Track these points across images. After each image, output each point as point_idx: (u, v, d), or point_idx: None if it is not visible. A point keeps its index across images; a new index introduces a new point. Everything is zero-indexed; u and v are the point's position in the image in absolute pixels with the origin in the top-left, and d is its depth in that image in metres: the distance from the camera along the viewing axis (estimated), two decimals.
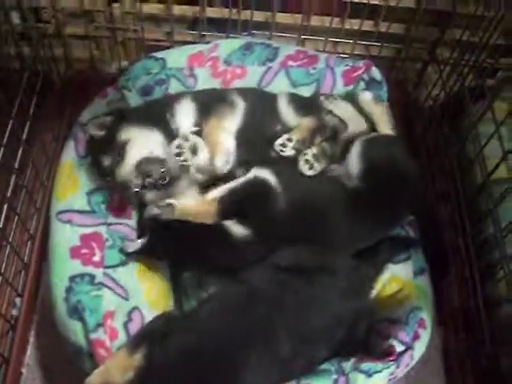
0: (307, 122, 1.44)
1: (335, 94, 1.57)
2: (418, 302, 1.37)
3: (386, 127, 1.50)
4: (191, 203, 1.35)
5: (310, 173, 1.38)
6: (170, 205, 1.32)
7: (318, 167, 1.39)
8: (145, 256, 1.33)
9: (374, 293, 1.40)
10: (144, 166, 1.36)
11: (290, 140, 1.40)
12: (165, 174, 1.36)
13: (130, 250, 1.32)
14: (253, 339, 1.19)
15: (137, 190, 1.36)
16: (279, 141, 1.41)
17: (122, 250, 1.34)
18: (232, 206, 1.33)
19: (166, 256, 1.34)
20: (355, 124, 1.51)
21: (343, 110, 1.51)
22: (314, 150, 1.40)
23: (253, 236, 1.32)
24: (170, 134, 1.41)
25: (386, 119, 1.51)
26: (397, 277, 1.43)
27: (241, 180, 1.36)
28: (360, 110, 1.54)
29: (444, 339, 1.52)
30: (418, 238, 1.50)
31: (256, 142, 1.44)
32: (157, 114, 1.44)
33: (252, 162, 1.41)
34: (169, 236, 1.31)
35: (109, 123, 1.41)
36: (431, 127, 1.77)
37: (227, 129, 1.42)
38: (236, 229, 1.32)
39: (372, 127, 1.52)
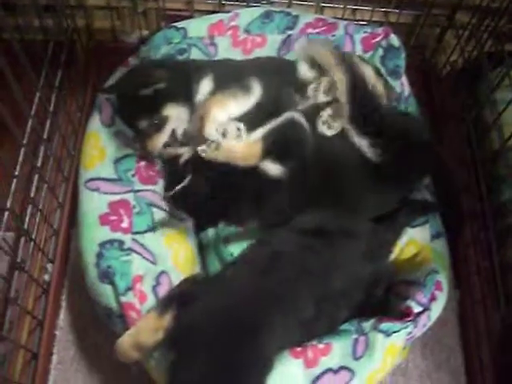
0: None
1: (356, 55, 1.58)
2: (435, 264, 1.40)
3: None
4: (237, 144, 1.37)
5: (329, 132, 1.41)
6: (216, 143, 1.34)
7: (336, 126, 1.41)
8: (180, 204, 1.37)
9: (392, 256, 1.44)
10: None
11: (320, 85, 1.45)
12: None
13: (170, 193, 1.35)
14: (277, 301, 1.22)
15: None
16: (312, 86, 1.47)
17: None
18: (273, 145, 1.35)
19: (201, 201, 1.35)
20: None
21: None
22: (328, 110, 1.42)
23: (285, 177, 1.35)
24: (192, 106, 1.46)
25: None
26: (414, 240, 1.47)
27: (277, 120, 1.39)
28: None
29: (460, 301, 1.55)
30: (435, 203, 1.54)
31: (274, 113, 1.46)
32: (186, 87, 1.47)
33: None
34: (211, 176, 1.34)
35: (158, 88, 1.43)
36: (449, 93, 1.78)
37: (227, 110, 1.44)
38: (272, 167, 1.35)
39: None
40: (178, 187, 1.32)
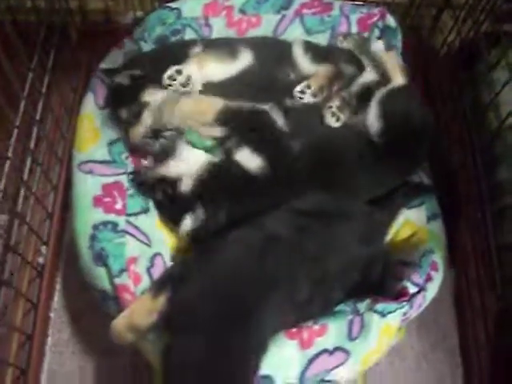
0: (325, 70, 1.46)
1: (354, 34, 1.58)
2: (431, 245, 1.39)
3: (397, 75, 1.50)
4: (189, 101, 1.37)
5: (337, 124, 1.41)
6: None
7: (343, 118, 1.41)
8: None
9: (388, 237, 1.44)
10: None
11: (308, 87, 1.42)
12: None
13: (187, 229, 1.35)
14: (272, 283, 1.21)
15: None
16: (298, 88, 1.43)
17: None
18: (231, 123, 1.36)
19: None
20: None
21: (362, 49, 1.52)
22: (337, 101, 1.41)
23: (269, 170, 1.34)
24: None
25: (397, 68, 1.51)
26: (410, 221, 1.46)
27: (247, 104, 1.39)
28: (372, 58, 1.54)
29: (456, 281, 1.55)
30: (431, 184, 1.53)
31: (269, 89, 1.45)
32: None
33: None
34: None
35: (136, 77, 1.44)
36: (446, 74, 1.77)
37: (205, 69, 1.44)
38: (250, 161, 1.35)
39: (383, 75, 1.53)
40: (193, 225, 1.34)
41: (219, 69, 1.42)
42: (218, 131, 1.37)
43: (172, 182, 1.37)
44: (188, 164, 1.36)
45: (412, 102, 1.48)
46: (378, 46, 1.56)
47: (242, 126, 1.36)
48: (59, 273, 1.52)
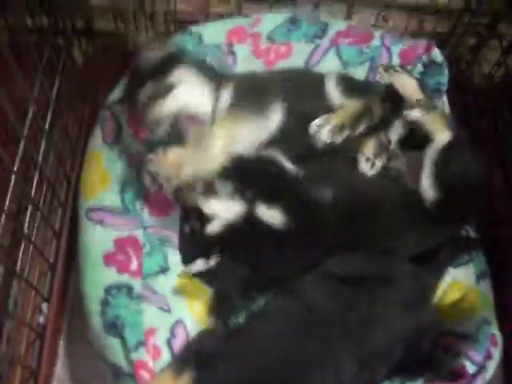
0: (351, 106, 1.28)
1: (397, 65, 1.41)
2: (485, 312, 1.25)
3: (442, 130, 1.32)
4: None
5: (371, 172, 1.25)
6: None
7: (379, 164, 1.25)
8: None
9: (434, 301, 1.29)
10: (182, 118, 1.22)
11: (327, 123, 1.25)
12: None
13: (194, 270, 1.17)
14: (313, 362, 1.07)
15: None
16: (316, 121, 1.25)
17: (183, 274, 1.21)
18: (236, 174, 1.20)
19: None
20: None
21: (405, 84, 1.36)
22: (372, 145, 1.25)
23: (291, 225, 1.18)
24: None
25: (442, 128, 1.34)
26: (458, 282, 1.31)
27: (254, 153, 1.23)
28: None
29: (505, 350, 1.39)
30: (478, 238, 1.38)
31: (299, 135, 1.29)
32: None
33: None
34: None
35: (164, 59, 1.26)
36: (486, 108, 1.63)
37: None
38: (269, 216, 1.18)
39: None
40: (204, 267, 1.16)
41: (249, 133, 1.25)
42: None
43: (203, 218, 1.21)
44: (225, 208, 1.19)
45: (468, 161, 1.32)
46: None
47: (249, 178, 1.20)
48: (63, 334, 1.35)
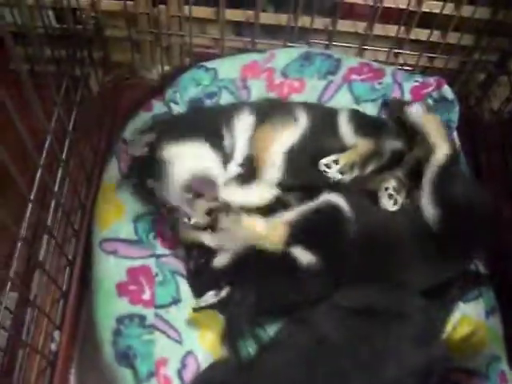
0: (362, 145, 1.31)
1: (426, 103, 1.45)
2: (495, 348, 1.25)
3: (441, 142, 1.33)
4: (261, 223, 1.21)
5: (394, 208, 1.26)
6: (237, 218, 1.20)
7: (400, 200, 1.27)
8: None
9: (443, 336, 1.29)
10: (194, 185, 1.22)
11: (336, 162, 1.28)
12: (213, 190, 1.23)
13: (204, 304, 1.18)
14: None
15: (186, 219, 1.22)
16: (324, 160, 1.28)
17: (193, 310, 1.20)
18: (302, 232, 1.20)
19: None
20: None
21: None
22: (393, 182, 1.27)
23: (319, 264, 1.19)
24: (222, 151, 1.29)
25: (440, 132, 1.35)
26: (468, 317, 1.31)
27: (311, 204, 1.23)
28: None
29: None
30: (488, 273, 1.39)
31: (312, 164, 1.31)
32: (207, 125, 1.31)
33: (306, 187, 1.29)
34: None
35: (151, 140, 1.27)
36: (495, 146, 1.64)
37: (280, 141, 1.30)
38: (302, 255, 1.18)
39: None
40: (215, 299, 1.17)
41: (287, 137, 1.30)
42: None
43: (207, 253, 1.22)
44: (231, 238, 1.21)
45: (467, 180, 1.35)
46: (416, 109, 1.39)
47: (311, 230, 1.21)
48: (74, 363, 1.35)
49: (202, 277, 1.25)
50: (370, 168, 1.34)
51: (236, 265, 1.20)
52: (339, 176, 1.29)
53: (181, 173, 1.24)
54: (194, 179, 1.23)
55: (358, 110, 1.43)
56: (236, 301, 1.17)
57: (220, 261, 1.21)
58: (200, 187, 1.23)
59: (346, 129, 1.36)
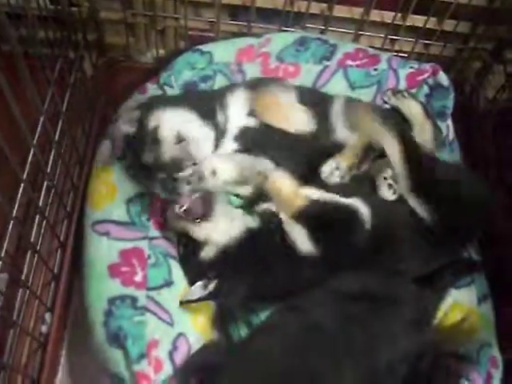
0: (355, 144, 1.30)
1: (405, 91, 1.44)
2: (486, 334, 1.26)
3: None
4: (289, 184, 1.20)
5: (393, 197, 1.25)
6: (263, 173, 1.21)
7: (397, 189, 1.26)
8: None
9: (435, 322, 1.29)
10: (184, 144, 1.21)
11: (337, 168, 1.28)
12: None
13: (192, 297, 1.17)
14: (317, 378, 1.07)
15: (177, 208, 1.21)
16: (326, 168, 1.28)
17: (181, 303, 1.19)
18: (315, 217, 1.19)
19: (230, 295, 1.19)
20: (420, 129, 1.38)
21: (411, 109, 1.39)
22: (390, 171, 1.26)
23: (318, 257, 1.18)
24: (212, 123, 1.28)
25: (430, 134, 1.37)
26: (460, 304, 1.32)
27: (335, 198, 1.21)
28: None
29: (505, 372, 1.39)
30: (480, 260, 1.39)
31: (312, 151, 1.31)
32: (197, 100, 1.31)
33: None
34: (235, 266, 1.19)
35: (139, 115, 1.27)
36: (491, 133, 1.64)
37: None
38: (303, 243, 1.18)
39: None
40: (203, 292, 1.17)
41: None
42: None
43: (197, 242, 1.22)
44: (220, 232, 1.20)
45: (462, 171, 1.35)
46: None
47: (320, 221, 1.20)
48: (65, 344, 1.34)
49: (190, 264, 1.25)
50: (366, 165, 1.33)
51: (224, 258, 1.20)
52: (341, 179, 1.29)
53: (168, 135, 1.22)
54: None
55: (352, 98, 1.42)
56: (225, 293, 1.17)
57: (207, 253, 1.21)
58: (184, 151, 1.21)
59: (339, 120, 1.35)
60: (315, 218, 1.18)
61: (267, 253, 1.21)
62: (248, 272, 1.20)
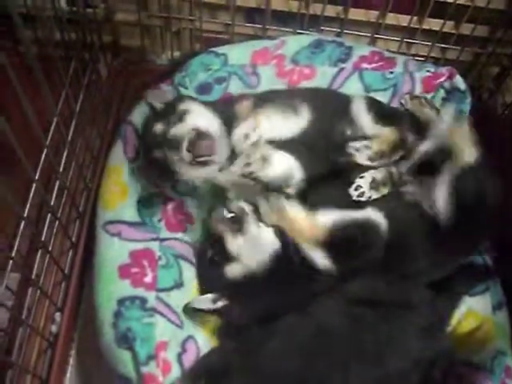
0: (390, 134, 1.29)
1: (424, 98, 1.41)
2: (501, 343, 1.23)
3: (468, 151, 1.29)
4: (303, 217, 1.17)
5: (356, 199, 1.23)
6: (281, 205, 1.17)
7: (368, 196, 1.24)
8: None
9: (449, 329, 1.27)
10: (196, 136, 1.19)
11: (367, 147, 1.27)
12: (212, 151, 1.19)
13: (197, 306, 1.17)
14: (324, 382, 1.06)
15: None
16: (355, 144, 1.27)
17: (186, 309, 1.19)
18: (334, 241, 1.15)
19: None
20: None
21: (428, 117, 1.36)
22: (379, 174, 1.25)
23: (334, 271, 1.16)
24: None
25: (469, 143, 1.33)
26: (474, 311, 1.30)
27: (353, 215, 1.19)
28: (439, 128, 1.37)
29: None
30: (496, 267, 1.36)
31: (325, 149, 1.29)
32: (221, 108, 1.29)
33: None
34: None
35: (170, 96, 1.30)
36: (509, 139, 1.61)
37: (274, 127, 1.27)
38: (321, 260, 1.16)
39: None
40: (209, 307, 1.16)
41: (282, 126, 1.26)
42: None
43: (227, 254, 1.18)
44: (250, 255, 1.17)
45: (486, 185, 1.32)
46: (447, 115, 1.36)
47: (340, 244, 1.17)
48: (74, 344, 1.35)
49: (210, 272, 1.23)
50: (395, 158, 1.31)
51: (247, 283, 1.16)
52: (367, 162, 1.27)
53: (191, 121, 1.21)
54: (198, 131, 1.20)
55: (373, 98, 1.41)
56: (231, 316, 1.16)
57: (233, 272, 1.17)
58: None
59: (364, 117, 1.33)
60: (335, 242, 1.15)
61: (285, 278, 1.18)
62: (261, 299, 1.18)
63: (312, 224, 1.16)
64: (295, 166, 1.24)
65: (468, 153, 1.25)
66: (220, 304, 1.15)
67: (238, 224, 1.17)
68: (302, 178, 1.24)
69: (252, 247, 1.16)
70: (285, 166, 1.23)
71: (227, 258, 1.16)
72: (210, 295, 1.16)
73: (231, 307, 1.14)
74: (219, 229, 1.19)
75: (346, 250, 1.16)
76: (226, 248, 1.17)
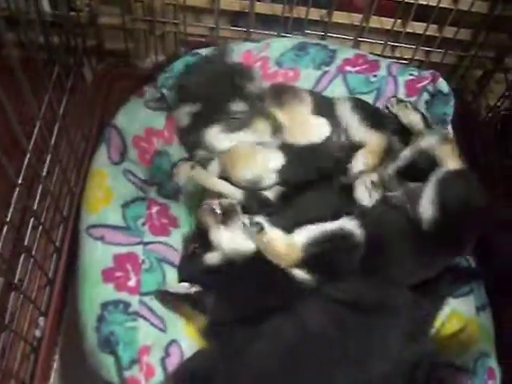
0: (380, 142, 1.31)
1: (408, 102, 1.43)
2: (484, 345, 1.23)
3: (451, 161, 1.31)
4: (282, 242, 1.17)
5: (367, 202, 1.25)
6: (258, 225, 1.17)
7: (374, 196, 1.26)
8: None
9: (432, 331, 1.27)
10: None
11: (373, 183, 1.28)
12: None
13: (171, 290, 1.18)
14: None
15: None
16: (362, 190, 1.28)
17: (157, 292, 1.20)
18: (311, 258, 1.16)
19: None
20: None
21: (412, 121, 1.37)
22: (374, 176, 1.26)
23: (314, 282, 1.17)
24: None
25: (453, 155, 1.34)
26: (458, 313, 1.30)
27: (327, 227, 1.19)
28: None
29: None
30: (480, 269, 1.37)
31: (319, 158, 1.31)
32: None
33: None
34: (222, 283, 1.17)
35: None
36: (491, 141, 1.63)
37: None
38: (302, 276, 1.17)
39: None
40: (184, 291, 1.17)
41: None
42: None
43: (208, 244, 1.21)
44: (231, 243, 1.19)
45: (472, 189, 1.33)
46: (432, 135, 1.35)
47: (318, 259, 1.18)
48: (57, 350, 1.33)
49: (189, 262, 1.24)
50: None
51: (224, 271, 1.18)
52: (362, 167, 1.30)
53: None
54: None
55: (357, 98, 1.42)
56: (205, 306, 1.16)
57: (211, 259, 1.19)
58: None
59: (350, 119, 1.34)
60: (311, 258, 1.16)
61: (264, 278, 1.19)
62: (238, 291, 1.18)
63: (288, 246, 1.16)
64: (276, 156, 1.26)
65: (452, 163, 1.27)
66: (192, 290, 1.15)
67: (225, 217, 1.19)
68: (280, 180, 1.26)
69: (235, 243, 1.18)
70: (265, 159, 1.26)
71: (208, 248, 1.19)
72: (185, 283, 1.18)
73: (206, 294, 1.15)
74: (205, 220, 1.21)
75: (323, 263, 1.17)
76: (208, 240, 1.19)
